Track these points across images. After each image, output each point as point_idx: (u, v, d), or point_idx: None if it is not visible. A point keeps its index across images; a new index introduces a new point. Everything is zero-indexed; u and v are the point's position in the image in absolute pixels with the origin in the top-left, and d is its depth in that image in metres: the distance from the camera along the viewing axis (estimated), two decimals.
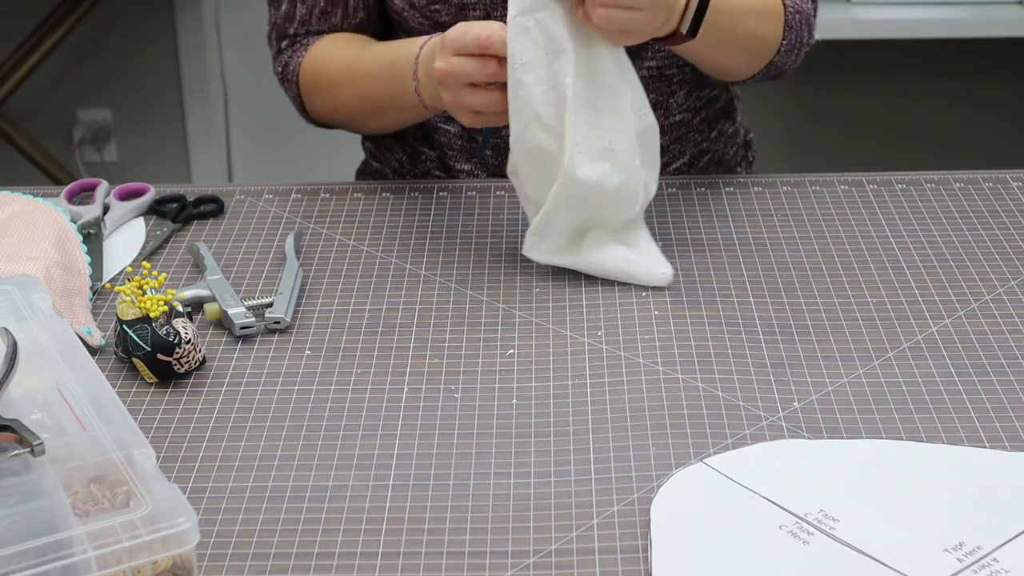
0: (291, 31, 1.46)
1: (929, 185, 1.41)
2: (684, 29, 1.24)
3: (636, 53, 1.44)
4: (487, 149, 1.48)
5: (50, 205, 1.32)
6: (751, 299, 1.21)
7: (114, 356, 1.14)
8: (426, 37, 1.31)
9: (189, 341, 1.10)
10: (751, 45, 1.39)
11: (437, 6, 1.40)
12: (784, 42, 1.39)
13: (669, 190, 1.41)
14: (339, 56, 1.42)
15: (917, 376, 1.10)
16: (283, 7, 1.45)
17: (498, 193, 1.40)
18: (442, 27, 1.40)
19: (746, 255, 1.28)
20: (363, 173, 1.62)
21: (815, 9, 1.48)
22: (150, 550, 0.82)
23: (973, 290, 1.22)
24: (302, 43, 1.46)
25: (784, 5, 1.39)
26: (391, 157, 1.55)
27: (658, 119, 1.49)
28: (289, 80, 1.46)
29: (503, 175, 1.50)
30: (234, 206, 1.39)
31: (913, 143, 3.04)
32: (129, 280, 1.13)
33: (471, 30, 1.20)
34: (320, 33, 1.46)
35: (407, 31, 1.45)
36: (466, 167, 1.50)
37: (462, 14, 1.39)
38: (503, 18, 1.39)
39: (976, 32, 2.65)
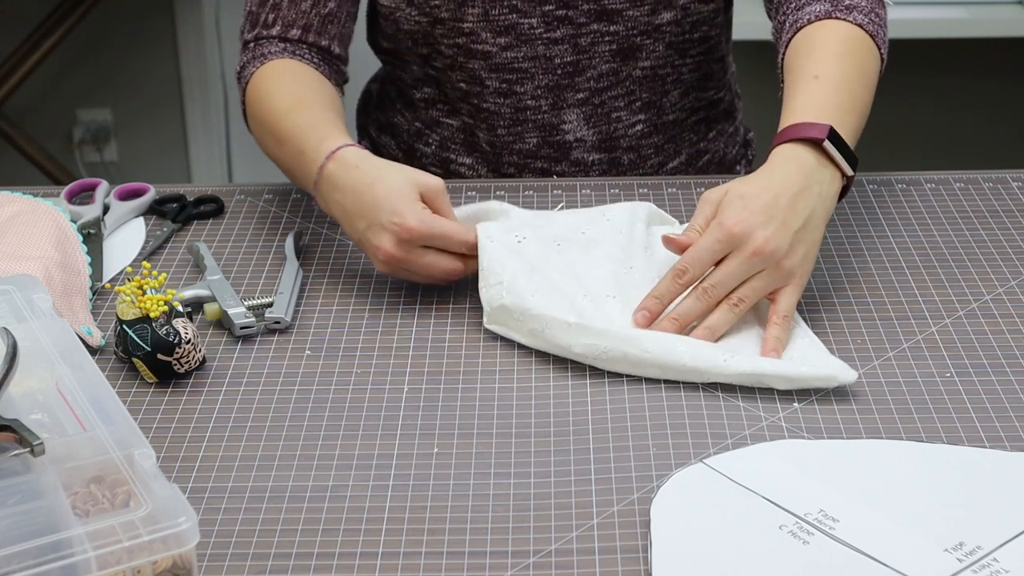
0: (262, 17, 1.40)
1: (929, 185, 1.41)
2: (849, 172, 1.18)
3: (631, 54, 1.44)
4: (486, 145, 1.48)
5: (50, 205, 1.32)
6: None
7: (114, 356, 1.14)
8: (333, 143, 1.23)
9: (189, 341, 1.10)
10: (873, 83, 1.29)
11: (436, 1, 1.39)
12: (883, 52, 1.31)
13: (669, 190, 1.41)
14: (273, 103, 1.34)
15: (917, 376, 1.10)
16: None
17: (498, 193, 1.40)
18: (441, 23, 1.40)
19: None
20: None
21: None
22: (150, 550, 0.82)
23: (973, 290, 1.22)
24: (261, 50, 1.39)
25: (862, 25, 1.29)
26: (387, 156, 1.55)
27: (651, 119, 1.49)
28: (240, 84, 1.41)
29: (503, 172, 1.50)
30: (234, 206, 1.39)
31: (913, 143, 3.04)
32: (129, 280, 1.13)
33: (454, 233, 1.18)
34: (288, 24, 1.39)
35: (398, 29, 1.44)
36: (467, 160, 1.50)
37: (461, 9, 1.38)
38: (502, 16, 1.39)
39: (976, 32, 2.65)
